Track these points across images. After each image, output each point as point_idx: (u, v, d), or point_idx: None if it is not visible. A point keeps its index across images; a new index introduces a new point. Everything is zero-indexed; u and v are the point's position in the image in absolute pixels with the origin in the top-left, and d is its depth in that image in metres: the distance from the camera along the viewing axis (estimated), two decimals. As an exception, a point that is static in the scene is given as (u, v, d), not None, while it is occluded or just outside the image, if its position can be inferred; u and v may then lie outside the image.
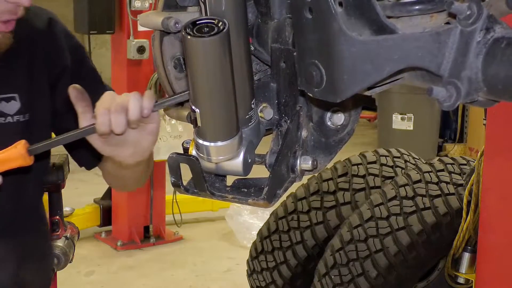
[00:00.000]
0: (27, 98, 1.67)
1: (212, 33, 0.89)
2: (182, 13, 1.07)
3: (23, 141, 1.26)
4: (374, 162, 3.35)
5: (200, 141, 1.00)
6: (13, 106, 1.66)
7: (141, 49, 4.79)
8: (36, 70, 1.68)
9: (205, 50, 0.90)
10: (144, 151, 1.36)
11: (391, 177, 3.23)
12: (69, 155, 1.90)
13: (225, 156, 1.01)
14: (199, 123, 0.98)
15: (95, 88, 1.71)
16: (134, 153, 1.34)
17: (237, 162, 1.02)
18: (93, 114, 1.24)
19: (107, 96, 1.27)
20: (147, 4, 4.76)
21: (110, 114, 1.22)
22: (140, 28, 4.76)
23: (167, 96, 1.16)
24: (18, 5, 1.51)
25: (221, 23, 0.90)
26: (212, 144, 0.99)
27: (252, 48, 1.05)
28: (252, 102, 1.02)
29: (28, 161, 1.25)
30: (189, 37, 0.89)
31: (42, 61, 1.69)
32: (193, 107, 0.97)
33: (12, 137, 1.57)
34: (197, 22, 0.91)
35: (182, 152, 1.07)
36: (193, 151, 1.04)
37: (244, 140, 1.02)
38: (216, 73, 0.92)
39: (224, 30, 0.90)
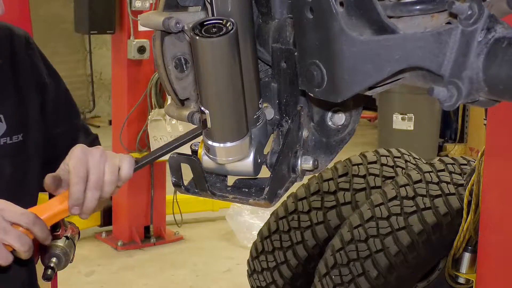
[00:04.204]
0: (15, 118, 1.57)
1: (220, 33, 0.89)
2: (183, 13, 1.07)
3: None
4: (375, 162, 3.35)
5: (210, 143, 1.00)
6: None
7: (141, 49, 4.79)
8: (23, 88, 1.60)
9: (214, 50, 0.90)
10: (108, 200, 1.33)
11: (392, 177, 3.23)
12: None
13: (236, 156, 1.00)
14: (208, 125, 0.97)
15: (72, 118, 1.73)
16: (98, 204, 1.30)
17: (248, 163, 1.02)
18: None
19: (80, 155, 1.25)
20: (147, 4, 4.76)
21: (85, 194, 1.23)
22: (141, 28, 4.76)
23: (168, 98, 1.16)
24: None
25: (229, 23, 0.90)
26: (222, 145, 0.99)
27: (253, 48, 1.05)
28: (260, 102, 1.02)
29: None
30: (197, 37, 0.89)
31: (26, 78, 1.61)
32: (202, 108, 0.96)
33: (0, 161, 1.53)
34: (205, 23, 0.91)
35: (185, 153, 1.07)
36: (202, 153, 1.04)
37: (253, 140, 1.02)
38: (225, 73, 0.92)
39: (233, 30, 0.89)
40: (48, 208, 1.25)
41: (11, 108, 1.57)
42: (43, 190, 1.73)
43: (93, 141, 1.74)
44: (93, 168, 1.23)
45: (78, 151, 1.26)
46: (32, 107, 1.61)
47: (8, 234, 1.19)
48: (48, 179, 1.26)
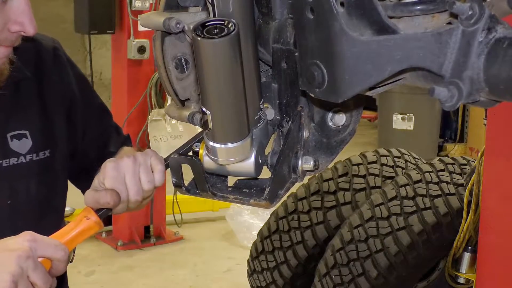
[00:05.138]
0: (41, 134, 1.55)
1: (222, 34, 0.89)
2: (183, 13, 1.07)
3: (89, 209, 1.24)
4: (375, 162, 3.35)
5: (211, 143, 0.99)
6: (25, 144, 1.52)
7: (141, 49, 4.79)
8: (48, 102, 1.57)
9: (216, 51, 0.89)
10: (147, 202, 1.38)
11: (392, 177, 3.23)
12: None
13: (237, 157, 1.00)
14: (210, 125, 0.97)
15: (104, 121, 1.75)
16: (139, 206, 1.35)
17: (249, 163, 1.02)
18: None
19: (113, 173, 1.26)
20: (147, 4, 4.76)
21: (128, 204, 1.27)
22: (141, 28, 4.76)
23: (168, 98, 1.16)
24: (21, 35, 1.40)
25: (230, 24, 0.90)
26: (223, 146, 0.99)
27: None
28: (261, 103, 1.02)
29: (102, 225, 1.26)
30: (199, 38, 0.89)
31: (52, 92, 1.58)
32: (204, 109, 0.96)
33: (27, 179, 1.51)
34: (207, 24, 0.90)
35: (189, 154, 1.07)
36: (203, 154, 1.04)
37: (254, 141, 1.01)
38: (227, 74, 0.91)
39: (234, 31, 0.89)
40: (67, 233, 1.23)
41: (36, 124, 1.55)
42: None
43: (124, 142, 1.76)
44: (130, 183, 1.25)
45: (110, 168, 1.26)
46: (58, 121, 1.59)
47: (36, 271, 1.15)
48: (108, 197, 1.24)
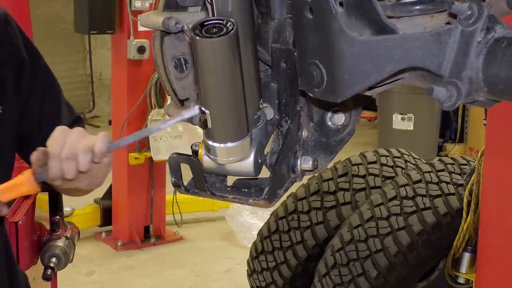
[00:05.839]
0: None
1: (221, 33, 0.89)
2: (183, 13, 1.07)
3: (29, 170, 1.29)
4: (375, 162, 3.35)
5: (211, 143, 1.00)
6: None
7: (141, 49, 4.80)
8: (1, 62, 1.64)
9: (214, 50, 0.90)
10: (99, 182, 1.42)
11: (392, 177, 3.23)
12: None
13: (237, 157, 1.00)
14: (209, 125, 0.97)
15: (50, 89, 1.77)
16: (89, 184, 1.39)
17: (248, 163, 1.02)
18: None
19: (58, 135, 1.30)
20: (147, 4, 4.76)
21: (61, 162, 1.28)
22: (141, 28, 4.76)
23: (168, 98, 1.16)
24: None
25: (229, 23, 0.90)
26: (223, 145, 0.99)
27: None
28: (260, 102, 1.02)
29: (36, 188, 1.28)
30: (198, 38, 0.89)
31: (3, 53, 1.65)
32: (203, 109, 0.96)
33: None
34: (205, 23, 0.91)
35: (185, 153, 1.07)
36: (202, 153, 1.04)
37: (253, 140, 1.02)
38: (225, 73, 0.92)
39: (233, 31, 0.89)
40: (5, 184, 1.28)
41: None
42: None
43: (76, 120, 1.78)
44: (68, 143, 1.29)
45: (57, 131, 1.32)
46: (9, 81, 1.65)
47: None
48: (35, 153, 1.29)
